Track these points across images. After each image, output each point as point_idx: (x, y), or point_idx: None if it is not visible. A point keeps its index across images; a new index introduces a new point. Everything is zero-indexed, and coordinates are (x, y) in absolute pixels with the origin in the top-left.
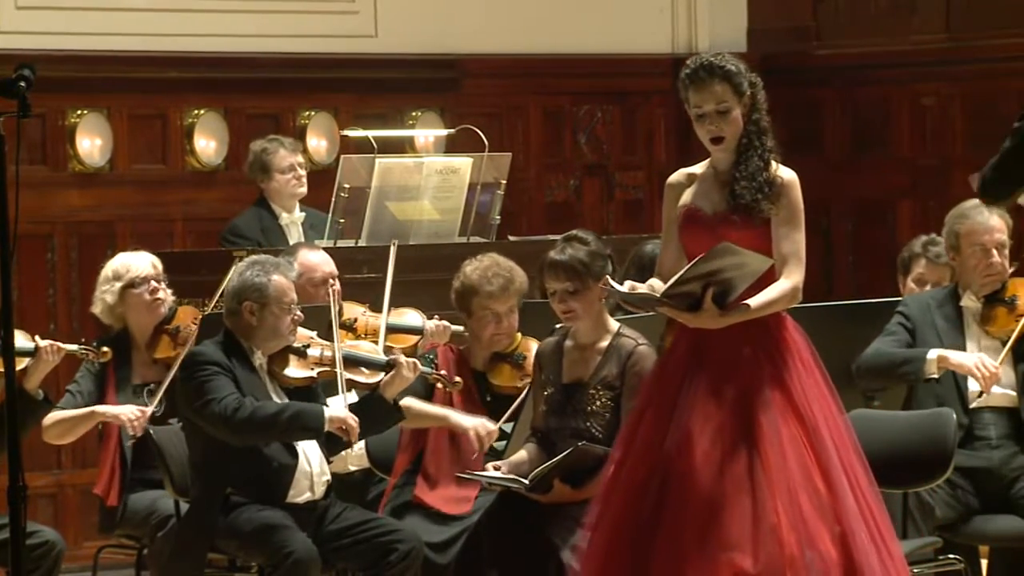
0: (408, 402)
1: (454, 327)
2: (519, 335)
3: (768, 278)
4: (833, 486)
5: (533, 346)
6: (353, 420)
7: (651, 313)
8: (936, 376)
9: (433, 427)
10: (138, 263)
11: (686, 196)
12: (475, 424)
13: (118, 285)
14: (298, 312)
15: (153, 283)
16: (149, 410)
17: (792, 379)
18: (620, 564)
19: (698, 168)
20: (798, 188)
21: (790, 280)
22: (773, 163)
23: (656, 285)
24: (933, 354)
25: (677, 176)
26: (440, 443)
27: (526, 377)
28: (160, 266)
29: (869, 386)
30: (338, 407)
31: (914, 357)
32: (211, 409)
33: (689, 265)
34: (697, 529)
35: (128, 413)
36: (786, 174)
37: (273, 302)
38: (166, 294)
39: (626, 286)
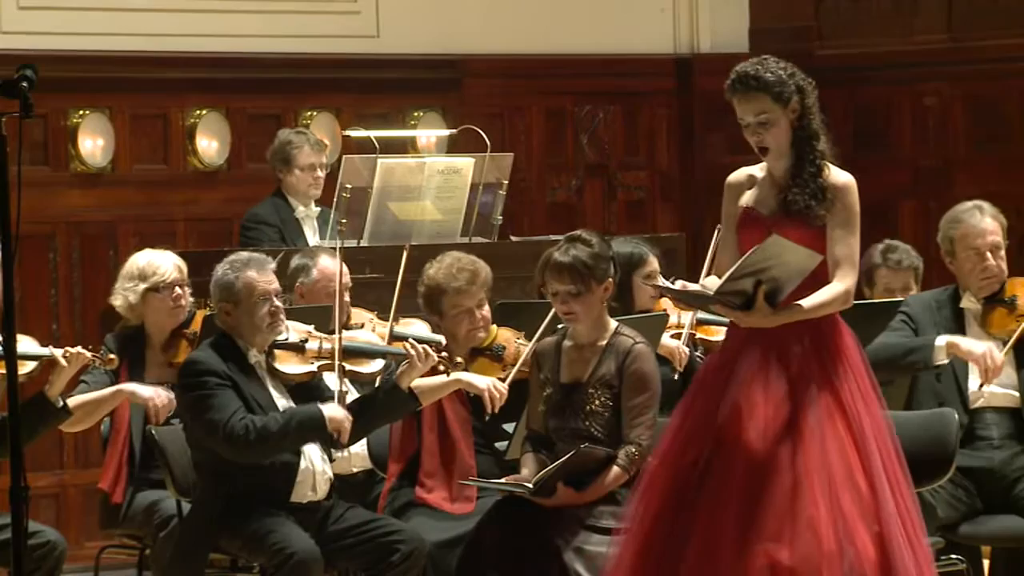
0: (416, 383)
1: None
2: (494, 327)
3: (822, 280)
4: (875, 487)
5: (508, 335)
6: (348, 421)
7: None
8: (945, 362)
9: (426, 428)
10: (164, 266)
11: (746, 197)
12: (488, 384)
13: (142, 286)
14: (276, 302)
15: (177, 289)
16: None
17: (841, 380)
18: (658, 544)
19: (757, 170)
20: (854, 192)
21: (843, 283)
22: (826, 168)
23: (709, 284)
24: (942, 340)
25: (737, 176)
26: (434, 443)
27: (507, 367)
28: (185, 269)
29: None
30: (334, 408)
31: (923, 344)
32: (216, 432)
33: (740, 261)
34: (735, 518)
35: (156, 397)
36: (841, 178)
37: (244, 299)
38: (187, 300)
39: (678, 284)
